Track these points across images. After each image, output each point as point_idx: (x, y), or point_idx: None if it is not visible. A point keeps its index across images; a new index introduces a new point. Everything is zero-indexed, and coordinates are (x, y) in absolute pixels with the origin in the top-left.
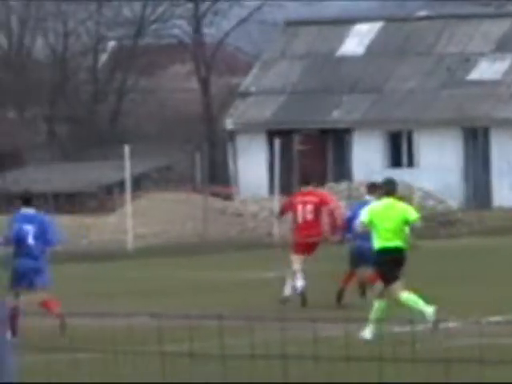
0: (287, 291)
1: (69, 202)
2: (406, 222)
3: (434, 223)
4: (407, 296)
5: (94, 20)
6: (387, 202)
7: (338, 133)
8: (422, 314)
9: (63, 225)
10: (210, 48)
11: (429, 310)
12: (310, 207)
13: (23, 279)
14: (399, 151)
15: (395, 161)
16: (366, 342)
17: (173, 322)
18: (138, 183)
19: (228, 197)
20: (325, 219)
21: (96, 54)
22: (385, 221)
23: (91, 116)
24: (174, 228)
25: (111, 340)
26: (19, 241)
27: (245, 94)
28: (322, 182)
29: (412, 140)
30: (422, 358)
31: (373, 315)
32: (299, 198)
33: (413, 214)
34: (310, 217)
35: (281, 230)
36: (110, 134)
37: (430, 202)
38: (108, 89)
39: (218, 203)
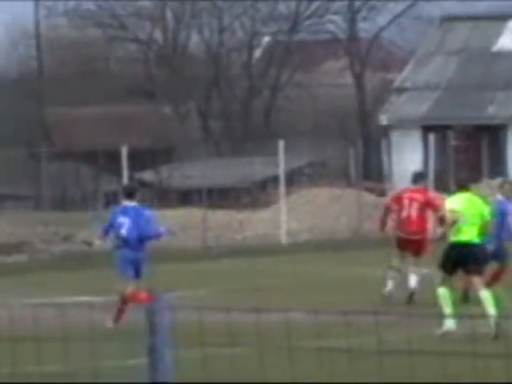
0: (411, 286)
1: (222, 197)
2: (483, 219)
3: None
4: (443, 291)
5: (249, 15)
6: (468, 196)
7: (493, 129)
8: (443, 315)
9: (216, 220)
10: (364, 43)
11: (450, 322)
12: (416, 204)
13: (125, 270)
14: None
15: None
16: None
17: (328, 317)
18: (291, 178)
19: (382, 193)
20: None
21: (250, 50)
22: (467, 214)
23: (245, 111)
24: (327, 223)
25: (267, 335)
26: (117, 233)
27: (400, 90)
28: (477, 178)
29: None
30: None
31: (488, 307)
32: (408, 194)
33: (488, 214)
34: (414, 213)
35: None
36: (263, 129)
37: None
38: (262, 84)
39: (371, 199)
